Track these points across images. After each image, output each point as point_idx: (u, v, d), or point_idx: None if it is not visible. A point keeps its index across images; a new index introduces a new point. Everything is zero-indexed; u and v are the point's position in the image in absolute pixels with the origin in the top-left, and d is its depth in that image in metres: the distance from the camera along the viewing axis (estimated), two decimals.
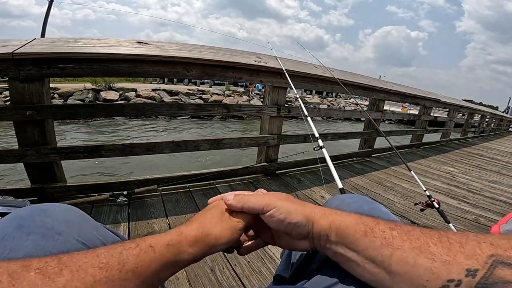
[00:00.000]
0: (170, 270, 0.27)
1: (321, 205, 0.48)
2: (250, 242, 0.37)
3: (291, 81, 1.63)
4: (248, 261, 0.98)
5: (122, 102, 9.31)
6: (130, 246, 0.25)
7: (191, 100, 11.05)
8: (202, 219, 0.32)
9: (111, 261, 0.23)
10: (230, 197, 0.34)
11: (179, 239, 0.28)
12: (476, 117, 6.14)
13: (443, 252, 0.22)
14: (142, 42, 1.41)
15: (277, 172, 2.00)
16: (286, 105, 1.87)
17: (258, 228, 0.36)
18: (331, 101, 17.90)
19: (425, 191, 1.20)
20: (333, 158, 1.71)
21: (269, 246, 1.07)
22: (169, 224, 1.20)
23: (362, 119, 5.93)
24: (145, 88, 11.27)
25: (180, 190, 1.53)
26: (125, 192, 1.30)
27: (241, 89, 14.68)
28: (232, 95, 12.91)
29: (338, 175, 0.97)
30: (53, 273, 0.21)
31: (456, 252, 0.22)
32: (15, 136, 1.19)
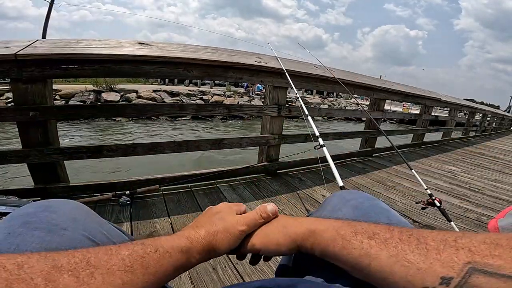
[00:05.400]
0: (179, 272, 0.30)
1: (320, 204, 0.48)
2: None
3: (292, 81, 1.63)
4: None
5: (124, 102, 9.32)
6: (150, 251, 0.27)
7: (192, 101, 11.06)
8: (209, 227, 0.34)
9: (135, 265, 0.25)
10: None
11: (190, 246, 0.31)
12: (477, 116, 6.13)
13: (420, 259, 0.23)
14: (143, 43, 1.41)
15: (278, 171, 2.00)
16: (286, 105, 1.87)
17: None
18: (332, 101, 17.86)
19: (426, 189, 1.20)
20: (334, 158, 1.72)
21: None
22: (171, 223, 1.21)
23: (363, 119, 5.92)
24: (146, 89, 11.27)
25: (182, 190, 1.54)
26: (127, 192, 1.30)
27: (242, 90, 14.67)
28: (233, 96, 12.91)
29: (339, 174, 0.98)
30: (85, 276, 0.22)
31: (432, 259, 0.22)
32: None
